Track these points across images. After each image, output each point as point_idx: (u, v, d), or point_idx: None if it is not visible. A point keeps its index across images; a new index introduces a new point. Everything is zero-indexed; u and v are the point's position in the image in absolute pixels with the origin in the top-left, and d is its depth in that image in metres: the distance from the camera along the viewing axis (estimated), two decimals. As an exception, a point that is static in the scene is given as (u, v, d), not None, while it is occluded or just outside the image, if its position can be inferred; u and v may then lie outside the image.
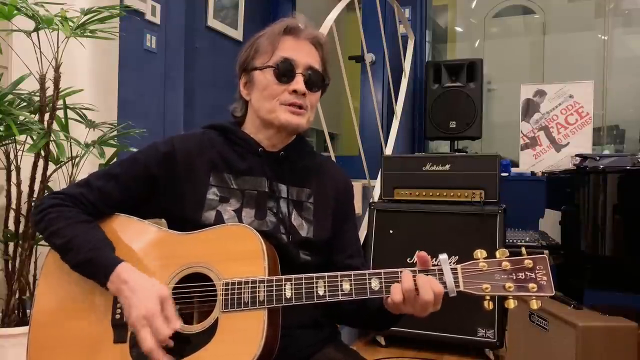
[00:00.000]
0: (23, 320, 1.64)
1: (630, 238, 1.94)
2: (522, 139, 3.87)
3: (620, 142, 4.59)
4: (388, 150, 3.60)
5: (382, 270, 0.93)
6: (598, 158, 2.04)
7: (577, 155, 2.14)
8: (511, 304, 0.90)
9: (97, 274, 0.98)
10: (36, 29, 1.61)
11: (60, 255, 1.02)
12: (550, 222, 2.61)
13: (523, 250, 0.93)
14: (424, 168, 2.71)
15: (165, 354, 0.91)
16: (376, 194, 3.11)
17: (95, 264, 0.98)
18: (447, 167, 2.66)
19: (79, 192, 1.06)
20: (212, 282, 0.96)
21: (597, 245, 1.98)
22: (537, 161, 3.81)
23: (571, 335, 1.75)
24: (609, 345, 1.73)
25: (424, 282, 0.90)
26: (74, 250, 0.99)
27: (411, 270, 0.92)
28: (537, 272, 0.90)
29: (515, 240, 2.52)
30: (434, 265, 0.93)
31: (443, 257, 0.92)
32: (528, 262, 0.91)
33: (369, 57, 3.66)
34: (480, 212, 2.53)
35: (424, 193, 2.70)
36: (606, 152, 4.09)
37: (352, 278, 0.93)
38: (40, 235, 1.64)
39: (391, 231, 2.68)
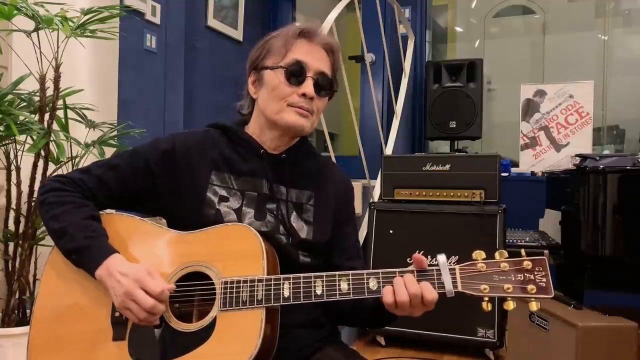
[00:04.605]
0: (23, 320, 1.65)
1: (630, 238, 1.94)
2: (522, 139, 3.87)
3: (620, 142, 4.59)
4: (388, 150, 3.60)
5: (380, 270, 0.93)
6: (598, 158, 2.04)
7: (577, 155, 2.13)
8: (510, 305, 0.90)
9: (88, 261, 0.99)
10: (36, 29, 1.61)
11: (54, 240, 1.03)
12: (550, 222, 2.60)
13: (522, 252, 0.92)
14: (424, 168, 2.71)
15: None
16: (376, 194, 3.11)
17: (88, 252, 0.99)
18: (447, 167, 2.66)
19: (79, 178, 1.09)
20: (212, 280, 0.97)
21: (597, 245, 1.98)
22: (537, 161, 3.80)
23: (571, 335, 1.75)
24: (609, 345, 1.72)
25: (416, 291, 0.89)
26: (68, 236, 1.00)
27: (409, 271, 0.92)
28: (536, 273, 0.90)
29: (515, 241, 2.51)
30: (431, 265, 0.92)
31: (441, 257, 0.92)
32: (527, 264, 0.90)
33: (369, 57, 3.66)
34: (481, 212, 2.52)
35: (424, 193, 2.69)
36: (606, 152, 4.09)
37: (350, 278, 0.93)
38: (42, 229, 1.65)
39: (391, 231, 2.68)
